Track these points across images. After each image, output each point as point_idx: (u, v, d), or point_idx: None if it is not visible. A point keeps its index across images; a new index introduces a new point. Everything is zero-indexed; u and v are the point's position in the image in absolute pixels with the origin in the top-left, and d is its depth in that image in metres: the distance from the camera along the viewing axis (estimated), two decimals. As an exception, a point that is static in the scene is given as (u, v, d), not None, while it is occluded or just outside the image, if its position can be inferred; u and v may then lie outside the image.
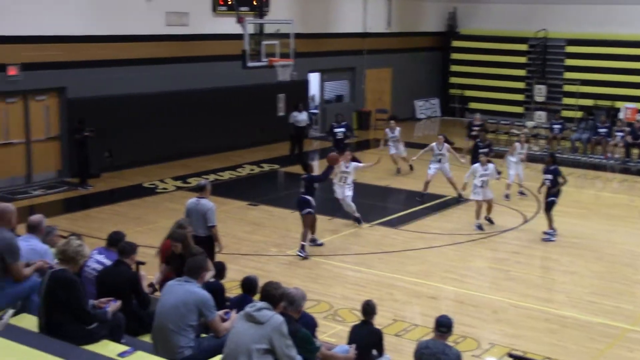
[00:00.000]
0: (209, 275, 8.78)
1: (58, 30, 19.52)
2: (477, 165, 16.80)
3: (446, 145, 19.18)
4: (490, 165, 16.75)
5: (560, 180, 15.96)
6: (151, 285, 9.82)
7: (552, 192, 16.01)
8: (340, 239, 15.69)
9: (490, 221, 16.80)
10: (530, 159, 22.73)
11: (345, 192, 16.15)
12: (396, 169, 21.80)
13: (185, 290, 7.34)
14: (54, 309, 7.14)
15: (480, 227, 16.49)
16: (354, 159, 17.08)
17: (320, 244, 15.05)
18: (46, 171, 19.92)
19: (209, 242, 11.76)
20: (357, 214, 16.33)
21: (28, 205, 17.37)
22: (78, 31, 19.95)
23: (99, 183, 19.58)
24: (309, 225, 14.58)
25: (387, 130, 21.74)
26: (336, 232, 16.09)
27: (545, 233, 16.04)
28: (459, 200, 18.61)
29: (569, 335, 11.29)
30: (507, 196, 19.05)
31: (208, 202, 11.96)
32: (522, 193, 19.53)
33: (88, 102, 20.12)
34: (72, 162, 19.80)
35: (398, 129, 21.60)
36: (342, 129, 21.66)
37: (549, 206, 16.00)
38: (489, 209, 16.87)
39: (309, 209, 14.40)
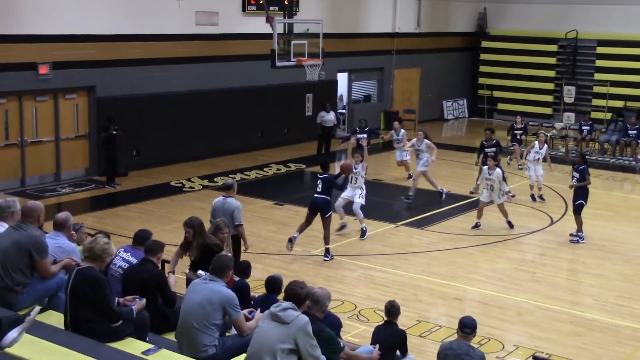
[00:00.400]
0: None
1: (89, 29, 19.71)
2: (485, 167, 16.66)
3: (426, 141, 19.03)
4: (497, 171, 16.27)
5: (586, 180, 15.83)
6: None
7: (580, 194, 15.86)
8: (366, 239, 15.66)
9: (510, 225, 16.57)
10: (559, 160, 22.65)
11: (355, 198, 15.58)
12: (407, 175, 20.89)
13: (211, 289, 7.38)
14: (80, 306, 7.21)
15: (476, 226, 16.44)
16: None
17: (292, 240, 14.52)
18: (74, 169, 20.11)
19: (235, 241, 11.82)
20: (363, 225, 15.69)
21: (56, 203, 17.56)
22: (108, 30, 20.12)
23: (126, 181, 19.74)
24: (330, 226, 14.39)
25: (392, 132, 21.23)
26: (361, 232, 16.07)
27: (572, 235, 15.94)
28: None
29: (595, 338, 11.21)
30: (532, 197, 18.91)
31: (235, 201, 12.02)
32: (541, 197, 19.01)
33: (117, 101, 20.29)
34: (100, 160, 19.98)
35: (403, 131, 21.15)
36: (365, 135, 20.50)
37: (577, 209, 15.87)
38: (504, 213, 16.55)
39: (331, 211, 14.33)
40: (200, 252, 9.68)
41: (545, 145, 19.11)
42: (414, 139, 19.28)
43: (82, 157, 20.27)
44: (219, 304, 7.33)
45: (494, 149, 19.24)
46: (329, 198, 14.25)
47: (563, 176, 21.63)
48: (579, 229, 15.89)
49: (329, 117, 23.71)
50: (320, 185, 14.21)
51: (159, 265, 8.82)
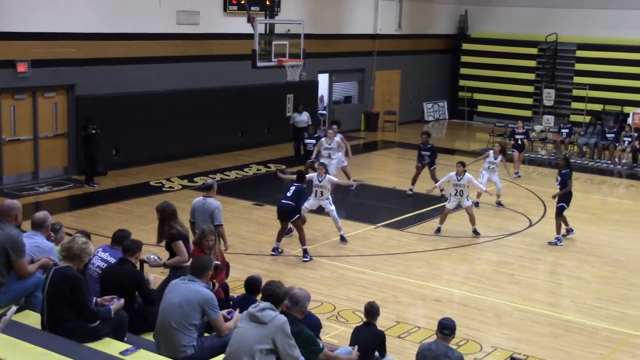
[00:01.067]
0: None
1: (68, 28, 19.57)
2: (453, 174, 16.46)
3: (336, 139, 19.21)
4: (466, 176, 16.22)
5: (567, 185, 15.94)
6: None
7: (562, 197, 15.97)
8: (346, 243, 15.66)
9: (476, 232, 16.37)
10: (538, 163, 22.79)
11: (326, 206, 15.37)
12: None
13: (190, 289, 7.36)
14: (57, 306, 7.16)
15: (438, 231, 16.32)
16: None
17: (281, 252, 14.60)
18: (53, 168, 19.95)
19: None
20: (342, 232, 15.60)
21: (34, 202, 17.44)
22: (89, 29, 20.00)
23: (105, 181, 19.64)
24: (302, 228, 14.38)
25: (324, 140, 19.46)
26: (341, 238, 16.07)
27: (566, 232, 16.18)
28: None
29: (573, 339, 11.28)
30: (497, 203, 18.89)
31: (215, 201, 12.00)
32: (499, 204, 18.84)
33: (97, 100, 20.18)
34: (78, 159, 19.86)
35: (337, 139, 19.45)
36: (313, 141, 19.76)
37: (558, 211, 15.98)
38: (472, 218, 16.33)
39: (298, 215, 14.30)
40: (168, 238, 9.74)
41: (501, 155, 18.63)
42: (323, 138, 19.31)
43: (60, 156, 20.12)
44: (198, 304, 7.31)
45: (428, 153, 19.54)
46: (294, 204, 14.21)
47: (542, 178, 21.83)
48: (558, 232, 15.99)
49: (302, 117, 23.51)
50: (291, 191, 14.29)
51: (137, 264, 8.79)
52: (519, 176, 21.91)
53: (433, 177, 19.51)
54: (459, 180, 16.26)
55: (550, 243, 15.89)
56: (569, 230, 16.36)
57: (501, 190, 18.89)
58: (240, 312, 7.49)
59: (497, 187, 18.72)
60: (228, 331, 7.44)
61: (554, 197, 16.15)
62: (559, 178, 16.11)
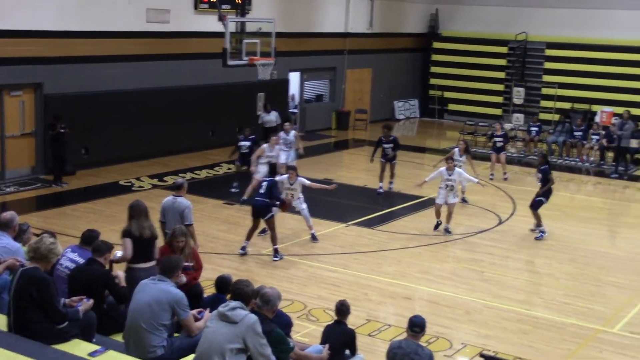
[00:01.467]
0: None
1: (36, 25, 19.36)
2: (443, 169, 16.59)
3: (293, 132, 19.44)
4: (456, 170, 16.42)
5: (550, 180, 16.13)
6: None
7: (541, 192, 16.17)
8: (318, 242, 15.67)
9: (447, 231, 16.45)
10: (508, 160, 22.94)
11: (298, 205, 15.33)
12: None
13: (159, 289, 7.33)
14: (25, 307, 7.10)
15: (438, 227, 16.51)
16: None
17: (244, 253, 14.53)
18: (20, 168, 19.71)
19: None
20: (313, 231, 15.55)
21: (0, 202, 17.24)
22: (56, 26, 19.81)
23: (73, 180, 19.48)
24: (275, 227, 14.35)
25: (281, 133, 19.48)
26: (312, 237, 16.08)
27: (533, 230, 16.35)
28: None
29: (541, 336, 11.38)
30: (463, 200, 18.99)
31: (185, 201, 11.95)
32: (464, 200, 18.92)
33: (66, 98, 20.00)
34: (46, 158, 19.67)
35: (294, 132, 19.76)
36: (249, 143, 18.94)
37: (536, 205, 16.14)
38: (450, 215, 16.42)
39: (272, 213, 14.31)
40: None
41: (466, 153, 18.73)
42: (281, 132, 19.34)
43: (28, 155, 19.90)
44: (168, 304, 7.29)
45: (391, 145, 19.55)
46: (269, 201, 14.18)
47: (512, 176, 21.96)
48: (539, 223, 16.18)
49: (270, 117, 23.26)
50: (263, 187, 14.27)
51: (107, 266, 8.73)
52: (506, 178, 21.79)
53: (393, 171, 19.59)
54: (450, 176, 16.34)
55: (536, 238, 16.05)
56: (541, 231, 16.49)
57: (466, 187, 19.00)
58: (211, 311, 7.47)
59: (462, 184, 18.73)
60: (198, 331, 7.42)
61: (537, 195, 16.30)
62: (540, 175, 16.29)
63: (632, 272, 14.52)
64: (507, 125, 28.41)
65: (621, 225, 18.46)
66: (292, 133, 19.52)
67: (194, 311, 7.83)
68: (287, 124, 19.93)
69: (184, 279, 9.12)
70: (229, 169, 21.46)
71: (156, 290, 7.33)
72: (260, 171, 17.82)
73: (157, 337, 7.27)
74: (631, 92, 28.92)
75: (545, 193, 16.19)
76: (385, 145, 19.56)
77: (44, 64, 19.61)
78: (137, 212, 9.90)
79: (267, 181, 14.41)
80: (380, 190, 19.73)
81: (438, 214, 16.59)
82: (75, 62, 20.32)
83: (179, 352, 7.43)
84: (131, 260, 9.60)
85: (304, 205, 15.33)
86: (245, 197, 17.68)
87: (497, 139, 22.45)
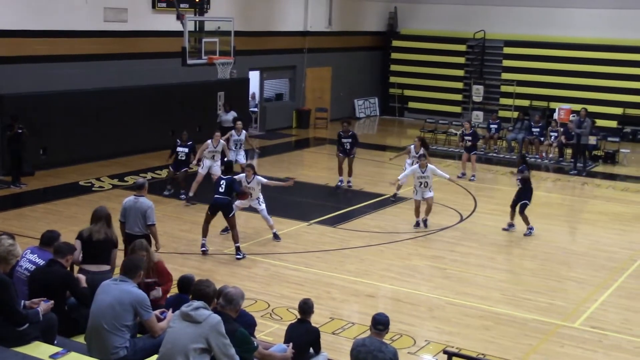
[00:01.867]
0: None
1: (-9, 25, 19.11)
2: (416, 166, 16.85)
3: (245, 132, 19.52)
4: (430, 167, 16.59)
5: (526, 173, 16.42)
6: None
7: (522, 194, 16.42)
8: (280, 241, 15.64)
9: (425, 223, 16.73)
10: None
11: (256, 205, 15.28)
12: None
13: (121, 290, 7.25)
14: (-17, 310, 6.98)
15: (418, 225, 16.66)
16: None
17: (206, 251, 14.51)
18: (-23, 169, 19.45)
19: (146, 241, 11.63)
20: (274, 230, 15.51)
21: (-42, 204, 16.96)
22: (10, 25, 19.52)
23: (32, 181, 19.19)
24: (236, 225, 14.32)
25: (233, 131, 19.34)
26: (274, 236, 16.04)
27: (525, 234, 16.53)
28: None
29: (503, 331, 11.48)
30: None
31: (147, 201, 11.90)
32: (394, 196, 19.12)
33: (22, 99, 19.71)
34: (4, 159, 19.36)
35: (244, 132, 19.60)
36: (186, 150, 18.33)
37: (521, 209, 16.40)
38: (429, 208, 16.73)
39: (233, 212, 14.31)
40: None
41: (422, 149, 18.51)
42: (232, 131, 19.27)
43: (-16, 156, 19.60)
44: (130, 304, 7.21)
45: (350, 140, 19.70)
46: (230, 198, 14.22)
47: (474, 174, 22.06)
48: (528, 224, 16.47)
49: (228, 117, 22.58)
50: (223, 186, 14.21)
51: (68, 267, 8.60)
52: (473, 179, 21.66)
53: (351, 166, 19.76)
54: (423, 173, 16.48)
55: (525, 234, 16.40)
56: (511, 225, 16.65)
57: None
58: (174, 311, 7.41)
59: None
60: (161, 331, 7.35)
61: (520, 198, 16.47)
62: (519, 176, 16.39)
63: (592, 267, 14.71)
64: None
65: (581, 222, 18.70)
66: (244, 133, 19.42)
67: (157, 311, 7.77)
68: (239, 123, 19.73)
69: (159, 293, 9.05)
70: (190, 168, 21.27)
71: (118, 291, 7.25)
72: (205, 165, 18.06)
73: (119, 338, 7.19)
74: (588, 90, 29.34)
75: (526, 195, 16.38)
76: (344, 140, 19.74)
77: (0, 63, 19.30)
78: (95, 217, 9.82)
79: (226, 179, 14.32)
80: (340, 184, 19.77)
81: (417, 212, 16.72)
82: (32, 61, 20.03)
83: (142, 352, 7.35)
84: (81, 262, 9.52)
85: (263, 206, 15.25)
86: (191, 194, 17.86)
87: (466, 138, 22.09)
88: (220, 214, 14.30)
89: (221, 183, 14.30)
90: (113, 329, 7.15)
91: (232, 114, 22.59)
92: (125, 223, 11.81)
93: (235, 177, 14.83)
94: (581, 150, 23.69)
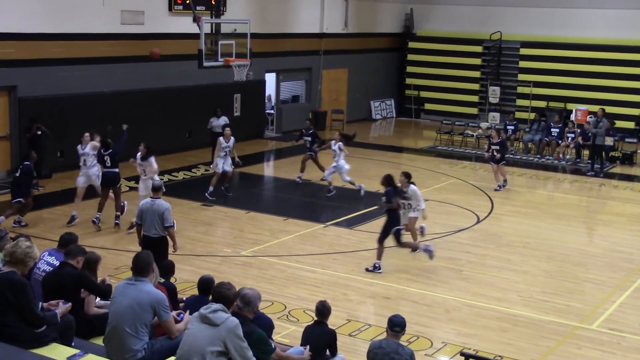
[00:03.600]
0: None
1: (9, 28, 19.19)
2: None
3: (233, 138, 18.92)
4: (411, 187, 14.63)
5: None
6: None
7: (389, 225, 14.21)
8: (295, 239, 15.68)
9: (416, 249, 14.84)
10: (485, 159, 22.99)
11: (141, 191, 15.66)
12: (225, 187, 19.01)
13: (139, 290, 7.24)
14: (1, 312, 7.01)
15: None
16: None
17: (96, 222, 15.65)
18: (-5, 171, 19.56)
19: (162, 243, 11.72)
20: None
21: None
22: (30, 29, 19.65)
23: (50, 183, 19.30)
24: (120, 195, 16.08)
25: (221, 138, 18.78)
26: (290, 232, 16.07)
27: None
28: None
29: (520, 333, 11.43)
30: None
31: (164, 202, 11.95)
32: (351, 182, 19.35)
33: (40, 101, 19.83)
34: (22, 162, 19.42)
35: (233, 138, 18.88)
36: (108, 154, 16.30)
37: (397, 237, 14.06)
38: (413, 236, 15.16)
39: (120, 182, 16.20)
40: None
41: (340, 143, 19.01)
42: (221, 138, 18.83)
43: (2, 158, 19.70)
44: (149, 304, 7.19)
45: (309, 138, 20.29)
46: (117, 170, 15.84)
47: (490, 175, 21.96)
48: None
49: (219, 122, 21.97)
50: (108, 160, 15.75)
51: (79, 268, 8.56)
52: (499, 189, 20.47)
53: (317, 162, 20.46)
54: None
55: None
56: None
57: (346, 171, 19.30)
58: (192, 313, 7.41)
59: (343, 170, 19.15)
60: (179, 333, 7.36)
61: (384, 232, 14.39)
62: (384, 206, 14.23)
63: (609, 269, 14.62)
64: (484, 124, 28.57)
65: (598, 223, 18.60)
66: (232, 140, 18.74)
67: (174, 313, 7.78)
68: (227, 129, 19.12)
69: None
70: (206, 170, 21.36)
71: (136, 291, 7.22)
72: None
73: (139, 341, 7.19)
74: (606, 91, 29.17)
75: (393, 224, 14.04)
76: (305, 138, 20.46)
77: (18, 66, 19.44)
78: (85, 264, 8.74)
79: (108, 154, 15.80)
80: (298, 180, 20.41)
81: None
82: (50, 64, 20.15)
83: (159, 354, 7.36)
84: None
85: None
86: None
87: (493, 147, 20.51)
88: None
89: (105, 159, 15.98)
90: (134, 330, 7.14)
91: (224, 120, 22.15)
92: (143, 225, 11.84)
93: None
94: (598, 151, 23.53)
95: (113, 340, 7.26)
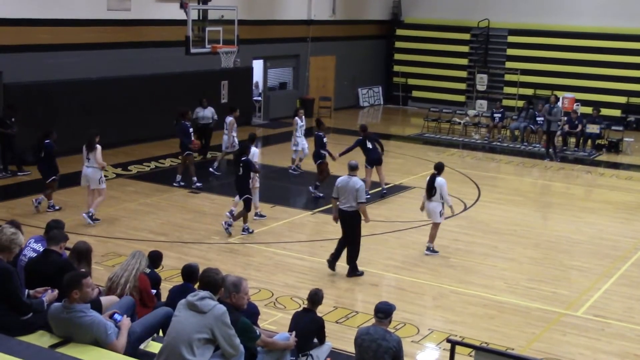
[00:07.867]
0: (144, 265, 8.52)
1: (-6, 13, 19.08)
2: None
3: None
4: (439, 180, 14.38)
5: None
6: None
7: None
8: (282, 226, 15.69)
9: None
10: (472, 147, 23.09)
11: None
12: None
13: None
14: (-14, 299, 6.97)
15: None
16: None
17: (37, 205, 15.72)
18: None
19: (356, 216, 12.85)
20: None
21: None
22: (16, 14, 19.50)
23: (36, 171, 19.14)
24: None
25: (297, 118, 20.05)
26: (278, 219, 16.07)
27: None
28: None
29: (507, 320, 11.49)
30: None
31: (358, 180, 12.92)
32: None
33: (26, 88, 19.71)
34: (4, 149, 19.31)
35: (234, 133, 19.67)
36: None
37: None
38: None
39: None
40: None
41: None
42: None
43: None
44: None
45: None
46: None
47: (476, 162, 22.08)
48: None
49: (205, 113, 21.57)
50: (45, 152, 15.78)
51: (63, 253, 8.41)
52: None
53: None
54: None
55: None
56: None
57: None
58: (178, 301, 7.34)
59: (304, 150, 20.15)
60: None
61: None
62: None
63: (595, 256, 14.70)
64: (471, 112, 28.60)
65: (584, 210, 18.64)
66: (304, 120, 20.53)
67: (107, 313, 7.22)
68: (301, 110, 21.10)
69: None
70: (194, 157, 21.26)
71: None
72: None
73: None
74: (593, 79, 29.23)
75: None
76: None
77: (3, 52, 19.28)
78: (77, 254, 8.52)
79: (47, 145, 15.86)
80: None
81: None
82: (35, 50, 20.01)
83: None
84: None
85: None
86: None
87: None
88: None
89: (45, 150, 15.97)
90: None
91: (210, 110, 21.79)
92: (339, 199, 12.88)
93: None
94: (551, 137, 23.52)
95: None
